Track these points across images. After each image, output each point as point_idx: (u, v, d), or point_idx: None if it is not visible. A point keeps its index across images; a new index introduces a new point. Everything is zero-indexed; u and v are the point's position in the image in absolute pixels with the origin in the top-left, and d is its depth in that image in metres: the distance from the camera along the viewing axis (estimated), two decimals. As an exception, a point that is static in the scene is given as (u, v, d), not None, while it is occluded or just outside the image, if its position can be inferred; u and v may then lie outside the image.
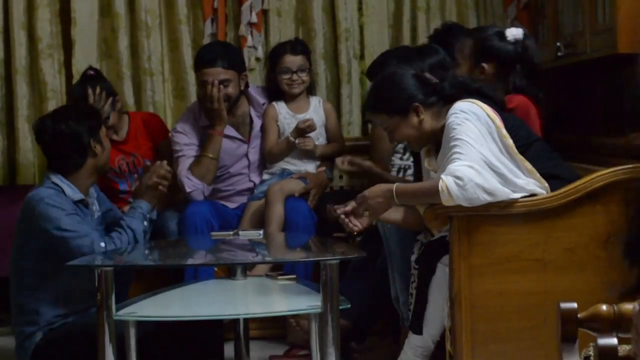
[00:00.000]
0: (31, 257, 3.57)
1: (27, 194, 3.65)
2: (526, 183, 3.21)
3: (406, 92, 3.34)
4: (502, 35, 3.90)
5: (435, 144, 3.39)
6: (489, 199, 3.10)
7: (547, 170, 3.28)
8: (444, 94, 3.36)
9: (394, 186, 3.25)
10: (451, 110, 3.24)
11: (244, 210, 4.55)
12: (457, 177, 3.07)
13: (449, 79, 3.42)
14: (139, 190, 3.85)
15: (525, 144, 3.31)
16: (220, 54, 4.53)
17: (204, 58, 4.52)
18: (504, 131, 3.23)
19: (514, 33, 3.89)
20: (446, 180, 3.08)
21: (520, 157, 3.23)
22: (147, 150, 4.66)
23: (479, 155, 3.13)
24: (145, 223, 3.72)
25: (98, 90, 4.45)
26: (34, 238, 3.55)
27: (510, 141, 3.22)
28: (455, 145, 3.15)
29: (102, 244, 3.50)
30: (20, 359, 3.60)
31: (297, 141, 4.52)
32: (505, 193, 3.13)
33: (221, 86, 4.46)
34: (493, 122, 3.22)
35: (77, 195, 3.62)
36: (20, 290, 3.60)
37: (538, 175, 3.24)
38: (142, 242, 3.67)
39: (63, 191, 3.59)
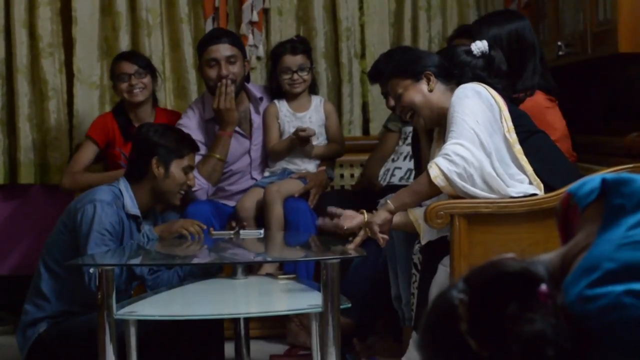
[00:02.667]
0: (64, 245, 3.58)
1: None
2: (512, 174, 3.24)
3: (422, 60, 3.44)
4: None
5: (444, 132, 3.41)
6: (475, 174, 3.14)
7: (541, 165, 3.30)
8: (462, 78, 3.39)
9: (391, 205, 3.28)
10: (457, 89, 3.29)
11: (247, 190, 4.54)
12: (445, 154, 3.13)
13: (472, 68, 3.44)
14: (163, 227, 3.84)
15: (527, 130, 3.33)
16: (224, 33, 4.63)
17: (209, 36, 4.60)
18: (507, 113, 3.26)
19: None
20: (436, 161, 3.13)
21: (517, 146, 3.25)
22: None
23: (470, 132, 3.18)
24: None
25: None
26: (73, 229, 3.56)
27: (510, 124, 3.26)
28: (451, 124, 3.23)
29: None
30: (20, 346, 3.60)
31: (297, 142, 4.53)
32: (491, 171, 3.16)
33: (229, 66, 4.48)
34: (497, 103, 3.26)
35: (134, 210, 3.62)
36: (42, 273, 3.62)
37: (531, 171, 3.26)
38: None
39: (123, 200, 3.60)
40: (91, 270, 3.38)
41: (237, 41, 4.62)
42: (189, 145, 3.80)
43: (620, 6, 3.64)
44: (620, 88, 4.26)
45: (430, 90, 3.39)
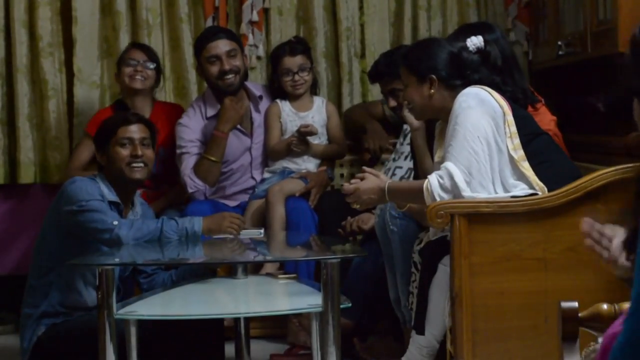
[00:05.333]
0: (51, 240, 3.60)
1: None
2: (510, 185, 3.25)
3: (432, 61, 3.40)
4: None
5: (445, 133, 3.41)
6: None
7: (543, 169, 3.30)
8: (469, 80, 3.38)
9: (386, 185, 3.31)
10: (458, 96, 3.29)
11: (245, 209, 4.55)
12: (440, 177, 3.16)
13: (481, 72, 3.44)
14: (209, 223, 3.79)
15: (531, 133, 3.33)
16: (220, 29, 4.68)
17: (206, 34, 4.62)
18: (510, 118, 3.26)
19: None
20: (430, 180, 3.17)
21: (519, 152, 3.25)
22: (163, 138, 4.57)
23: (470, 155, 3.18)
24: (177, 237, 3.61)
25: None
26: (58, 220, 3.57)
27: (513, 129, 3.25)
28: (451, 137, 3.23)
29: (115, 222, 3.49)
30: (22, 351, 3.61)
31: (292, 141, 4.53)
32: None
33: (230, 60, 4.50)
34: (501, 107, 3.26)
35: (112, 196, 3.62)
36: (35, 271, 3.64)
37: (533, 176, 3.25)
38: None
39: (100, 188, 3.62)
40: (115, 222, 3.46)
41: (234, 36, 4.66)
42: (115, 120, 3.76)
43: (620, 6, 3.64)
44: (620, 88, 4.25)
45: (430, 96, 3.38)
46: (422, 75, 3.38)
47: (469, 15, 5.15)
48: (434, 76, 3.37)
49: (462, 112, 3.23)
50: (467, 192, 3.18)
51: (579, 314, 1.96)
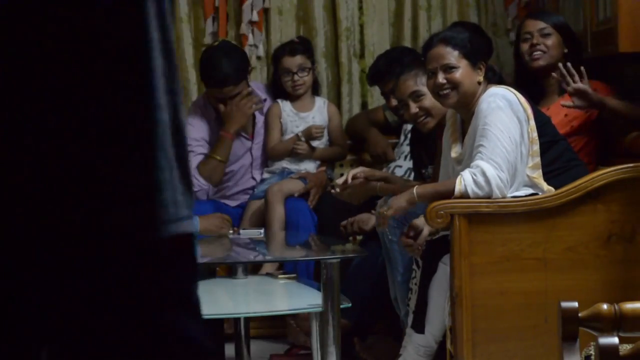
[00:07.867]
0: None
1: None
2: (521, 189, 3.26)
3: (485, 49, 3.43)
4: None
5: (461, 128, 3.39)
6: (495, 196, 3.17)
7: (555, 175, 3.31)
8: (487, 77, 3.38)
9: (415, 192, 3.28)
10: (485, 95, 3.25)
11: (244, 210, 4.55)
12: (474, 173, 3.12)
13: (493, 69, 3.45)
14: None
15: (551, 140, 3.33)
16: (228, 71, 4.41)
17: (214, 78, 4.43)
18: (533, 123, 3.26)
19: None
20: (464, 177, 3.13)
21: (536, 159, 3.26)
22: None
23: (503, 153, 3.15)
24: None
25: None
26: None
27: (535, 134, 3.25)
28: (482, 137, 3.18)
29: None
30: None
31: (296, 148, 4.53)
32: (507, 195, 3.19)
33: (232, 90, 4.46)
34: (525, 111, 3.24)
35: None
36: None
37: (542, 183, 3.26)
38: None
39: None
40: None
41: (240, 72, 4.47)
42: None
43: (620, 6, 3.64)
44: (620, 88, 4.26)
45: (479, 83, 3.32)
46: (476, 61, 3.33)
47: (469, 15, 5.15)
48: (484, 63, 3.34)
49: (491, 112, 3.19)
50: (502, 191, 3.15)
51: (579, 314, 1.96)
